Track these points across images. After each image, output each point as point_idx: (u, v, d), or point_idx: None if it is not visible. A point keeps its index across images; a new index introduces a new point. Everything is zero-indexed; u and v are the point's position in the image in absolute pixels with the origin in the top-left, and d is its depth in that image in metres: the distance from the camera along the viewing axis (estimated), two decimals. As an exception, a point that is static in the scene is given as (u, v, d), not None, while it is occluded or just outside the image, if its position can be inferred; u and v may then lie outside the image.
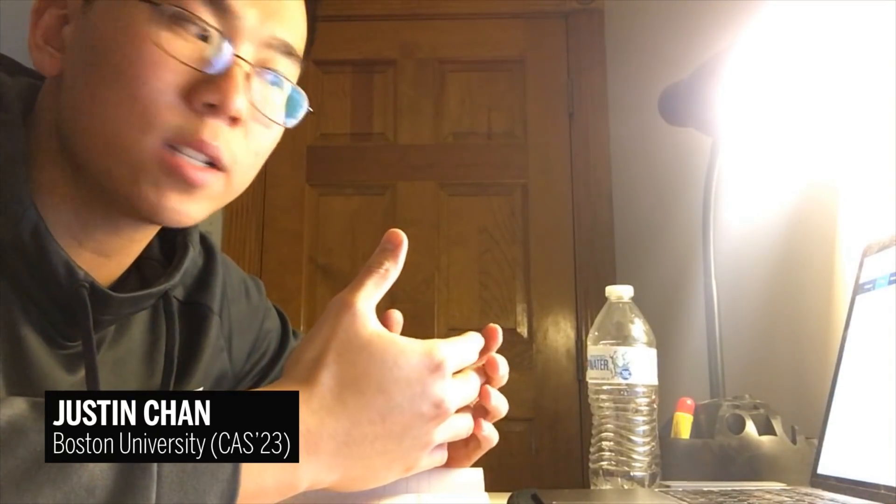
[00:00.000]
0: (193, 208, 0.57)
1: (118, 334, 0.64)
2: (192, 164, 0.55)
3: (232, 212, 2.13)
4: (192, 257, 0.66)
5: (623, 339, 0.82)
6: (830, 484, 0.73)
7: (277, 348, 0.82)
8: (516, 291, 2.10)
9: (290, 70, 0.61)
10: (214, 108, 0.54)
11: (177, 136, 0.54)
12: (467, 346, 0.55)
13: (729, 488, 0.78)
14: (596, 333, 0.84)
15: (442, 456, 0.56)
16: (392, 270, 0.54)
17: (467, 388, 0.55)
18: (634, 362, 0.82)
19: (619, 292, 0.86)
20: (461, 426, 0.56)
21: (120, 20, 0.54)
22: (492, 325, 0.59)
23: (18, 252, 0.54)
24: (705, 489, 0.76)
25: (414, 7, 2.24)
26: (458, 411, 0.54)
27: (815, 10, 0.97)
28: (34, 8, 0.60)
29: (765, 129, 1.19)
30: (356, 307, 0.51)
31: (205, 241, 0.73)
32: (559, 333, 2.08)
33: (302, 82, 0.62)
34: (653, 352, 0.84)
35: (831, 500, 0.67)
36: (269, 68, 0.58)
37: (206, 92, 0.54)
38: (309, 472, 0.48)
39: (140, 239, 0.63)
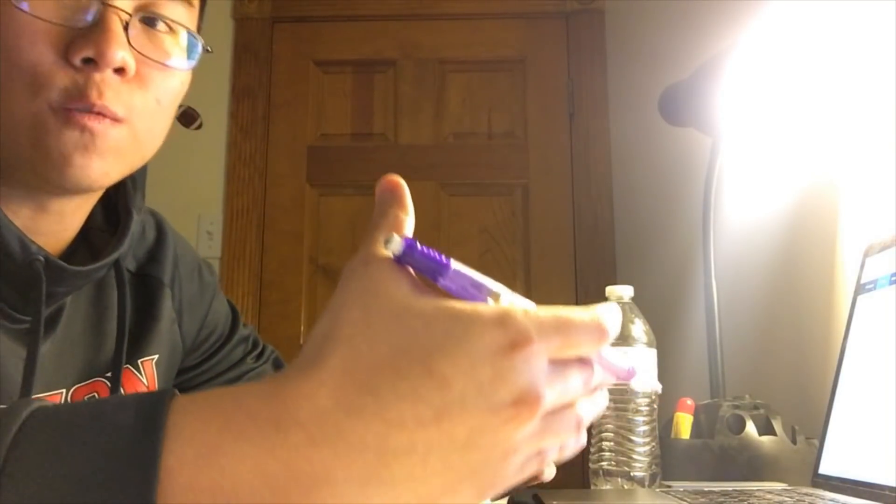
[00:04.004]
0: (99, 164, 0.55)
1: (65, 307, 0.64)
2: (86, 115, 0.54)
3: (232, 212, 2.14)
4: (138, 221, 0.65)
5: (623, 339, 0.82)
6: (832, 484, 0.73)
7: (226, 333, 0.82)
8: (516, 291, 2.09)
9: (181, 13, 0.59)
10: (94, 63, 0.53)
11: (63, 97, 0.53)
12: (575, 320, 0.34)
13: (730, 488, 0.78)
14: (596, 333, 0.84)
15: (539, 465, 0.35)
16: (403, 217, 0.37)
17: (572, 378, 0.34)
18: (634, 362, 0.82)
19: (619, 292, 0.86)
20: (565, 424, 0.35)
21: None
22: None
23: None
24: (706, 489, 0.76)
25: (414, 7, 2.24)
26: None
27: (816, 10, 0.97)
28: None
29: (765, 129, 1.19)
30: (384, 260, 0.34)
31: (156, 217, 0.75)
32: (559, 333, 2.08)
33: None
34: (653, 352, 0.84)
35: (832, 501, 0.67)
36: (153, 13, 0.57)
37: (82, 47, 0.53)
38: None
39: (72, 212, 0.62)
